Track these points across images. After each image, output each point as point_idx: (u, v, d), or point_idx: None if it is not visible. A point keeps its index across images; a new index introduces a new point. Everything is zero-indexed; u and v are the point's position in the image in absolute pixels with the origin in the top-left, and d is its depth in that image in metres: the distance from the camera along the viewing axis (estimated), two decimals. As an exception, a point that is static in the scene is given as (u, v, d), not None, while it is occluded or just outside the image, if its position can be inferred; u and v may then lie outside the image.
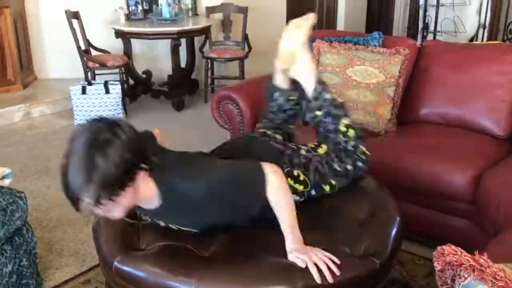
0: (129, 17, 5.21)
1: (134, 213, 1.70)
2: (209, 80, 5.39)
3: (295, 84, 2.01)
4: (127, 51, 5.17)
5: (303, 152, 1.91)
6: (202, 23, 5.22)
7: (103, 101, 4.55)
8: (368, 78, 2.84)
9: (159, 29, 4.90)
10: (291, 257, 1.49)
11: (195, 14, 5.58)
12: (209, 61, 5.23)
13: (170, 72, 5.18)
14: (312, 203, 1.85)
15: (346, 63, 2.90)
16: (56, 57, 5.44)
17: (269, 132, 2.04)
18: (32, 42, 5.39)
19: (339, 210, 1.86)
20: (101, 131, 1.39)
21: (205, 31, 5.19)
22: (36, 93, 5.10)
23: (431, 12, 5.87)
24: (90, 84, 4.57)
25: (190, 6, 5.49)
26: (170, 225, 1.66)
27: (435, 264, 1.07)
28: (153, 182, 1.50)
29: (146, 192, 1.49)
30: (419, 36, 6.02)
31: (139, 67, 5.43)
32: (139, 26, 5.01)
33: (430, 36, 5.90)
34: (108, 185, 1.35)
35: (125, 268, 1.56)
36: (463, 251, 1.03)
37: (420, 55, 3.02)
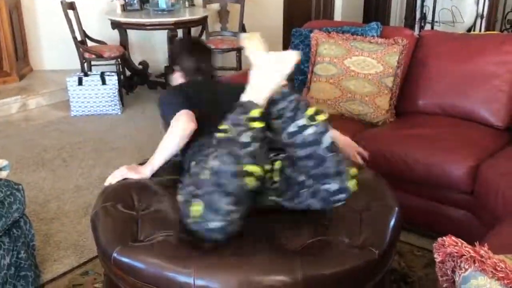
0: (125, 7, 5.17)
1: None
2: (206, 71, 5.35)
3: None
4: (124, 42, 5.15)
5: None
6: (199, 13, 5.19)
7: (100, 92, 4.52)
8: (366, 69, 2.83)
9: (155, 19, 4.87)
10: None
11: (192, 4, 5.54)
12: (206, 52, 5.20)
13: (167, 63, 5.15)
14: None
15: (344, 54, 2.89)
16: (52, 48, 5.40)
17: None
18: (27, 34, 5.36)
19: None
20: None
21: (202, 22, 5.16)
22: (32, 84, 5.08)
23: (429, 2, 5.86)
24: (86, 75, 4.54)
25: (186, -4, 5.46)
26: None
27: (436, 255, 1.07)
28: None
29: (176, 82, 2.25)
30: (417, 26, 6.01)
31: (136, 58, 5.40)
32: (136, 17, 4.98)
33: (427, 27, 5.89)
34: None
35: (124, 259, 1.56)
36: (464, 242, 1.02)
37: (418, 46, 3.01)
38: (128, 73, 5.30)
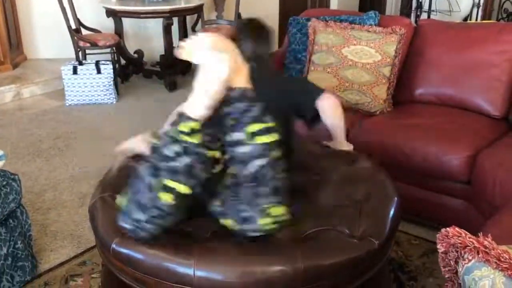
0: (120, -5, 5.13)
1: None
2: (202, 60, 5.32)
3: None
4: (118, 31, 5.10)
5: None
6: (194, 1, 5.14)
7: (95, 81, 4.49)
8: (364, 58, 2.82)
9: (151, 7, 4.83)
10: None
11: (187, -8, 5.50)
12: (201, 40, 5.16)
13: (162, 52, 5.12)
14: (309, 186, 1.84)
15: (342, 43, 2.87)
16: (46, 36, 5.35)
17: None
18: (21, 22, 5.29)
19: (337, 192, 1.86)
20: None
21: (198, 10, 5.12)
22: (26, 73, 5.03)
23: (425, -9, 5.83)
24: (81, 64, 4.50)
25: (182, -16, 5.42)
26: None
27: (439, 246, 1.07)
28: None
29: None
30: (413, 15, 5.99)
31: (131, 47, 5.35)
32: (131, 5, 4.93)
33: (424, 16, 5.86)
34: None
35: (123, 250, 1.55)
36: (468, 233, 1.02)
37: (415, 35, 3.00)
38: (123, 62, 5.26)
